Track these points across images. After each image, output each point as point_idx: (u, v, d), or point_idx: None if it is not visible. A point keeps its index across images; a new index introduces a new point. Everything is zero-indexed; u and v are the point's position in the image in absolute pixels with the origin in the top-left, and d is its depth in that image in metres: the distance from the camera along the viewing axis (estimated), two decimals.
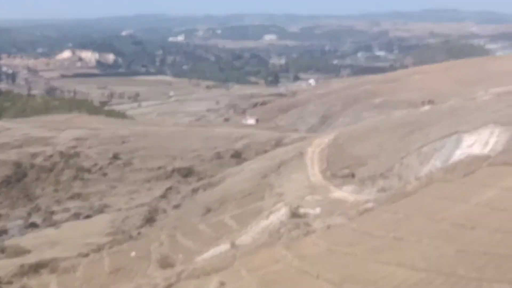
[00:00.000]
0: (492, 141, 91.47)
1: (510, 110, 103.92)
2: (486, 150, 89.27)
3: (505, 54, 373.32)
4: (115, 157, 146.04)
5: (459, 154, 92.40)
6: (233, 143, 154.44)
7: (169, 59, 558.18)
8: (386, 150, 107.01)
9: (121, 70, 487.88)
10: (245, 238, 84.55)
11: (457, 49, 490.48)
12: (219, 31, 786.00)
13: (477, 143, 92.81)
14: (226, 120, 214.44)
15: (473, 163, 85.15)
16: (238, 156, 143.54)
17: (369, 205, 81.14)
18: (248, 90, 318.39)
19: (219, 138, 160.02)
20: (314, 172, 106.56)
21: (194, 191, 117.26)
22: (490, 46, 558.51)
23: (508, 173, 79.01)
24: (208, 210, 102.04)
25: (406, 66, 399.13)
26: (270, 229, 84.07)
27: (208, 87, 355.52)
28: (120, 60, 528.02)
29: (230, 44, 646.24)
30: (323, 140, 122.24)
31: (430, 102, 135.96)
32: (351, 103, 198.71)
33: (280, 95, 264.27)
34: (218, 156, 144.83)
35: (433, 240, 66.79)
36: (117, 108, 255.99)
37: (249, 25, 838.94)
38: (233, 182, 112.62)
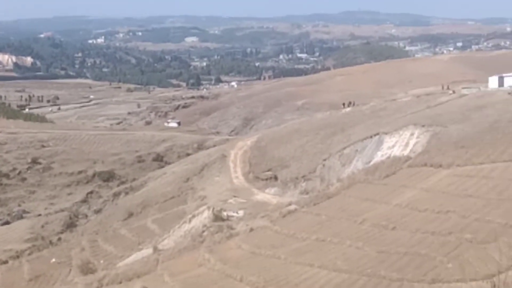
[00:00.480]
0: (412, 142, 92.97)
1: (429, 111, 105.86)
2: (406, 151, 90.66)
3: (424, 56, 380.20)
4: (34, 161, 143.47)
5: (380, 156, 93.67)
6: (154, 146, 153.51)
7: (89, 61, 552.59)
8: (308, 152, 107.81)
9: (39, 73, 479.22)
10: (167, 242, 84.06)
11: (377, 51, 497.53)
12: (139, 33, 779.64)
13: (397, 144, 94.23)
14: (148, 123, 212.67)
15: (394, 164, 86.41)
16: (160, 160, 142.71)
17: (292, 207, 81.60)
18: (169, 92, 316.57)
19: (140, 142, 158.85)
20: (237, 175, 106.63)
21: (116, 195, 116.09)
22: (409, 48, 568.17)
23: (427, 174, 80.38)
24: (130, 215, 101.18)
25: (327, 68, 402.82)
26: (193, 233, 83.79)
27: (129, 90, 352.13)
28: (38, 62, 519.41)
29: (151, 47, 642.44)
30: (246, 142, 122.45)
31: (351, 104, 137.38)
32: (273, 106, 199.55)
33: (202, 97, 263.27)
34: (140, 159, 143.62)
35: (355, 241, 67.56)
36: (36, 111, 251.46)
37: (170, 27, 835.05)
38: (155, 186, 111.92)
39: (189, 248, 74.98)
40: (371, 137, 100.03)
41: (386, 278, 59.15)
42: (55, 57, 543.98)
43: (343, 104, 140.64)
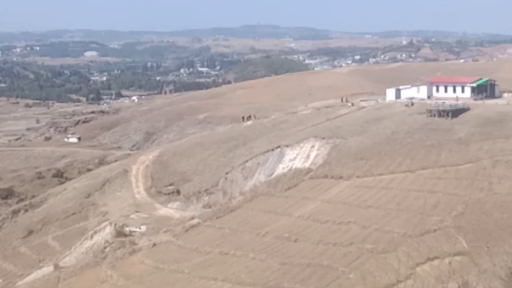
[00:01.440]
0: (313, 154, 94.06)
1: (329, 123, 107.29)
2: (307, 164, 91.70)
3: (323, 69, 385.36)
4: None
5: (282, 168, 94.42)
6: (55, 162, 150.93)
7: None
8: (211, 165, 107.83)
9: None
10: (69, 259, 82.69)
11: (277, 64, 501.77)
12: (37, 48, 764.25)
13: (299, 156, 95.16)
14: (47, 139, 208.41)
15: (296, 177, 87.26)
16: (60, 176, 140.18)
17: (195, 221, 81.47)
18: (69, 107, 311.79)
19: (40, 158, 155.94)
20: (139, 190, 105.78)
21: (15, 212, 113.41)
22: (309, 61, 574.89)
23: (328, 185, 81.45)
24: (30, 232, 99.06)
25: (228, 82, 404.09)
26: (94, 249, 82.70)
27: (27, 105, 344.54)
28: None
29: (49, 61, 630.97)
30: (148, 157, 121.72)
31: (250, 117, 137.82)
32: (175, 120, 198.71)
33: (103, 112, 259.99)
34: (40, 176, 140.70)
35: (258, 254, 67.86)
36: None
37: (69, 42, 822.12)
38: (56, 202, 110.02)
39: (91, 265, 73.99)
40: (272, 150, 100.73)
41: None
42: None
43: (243, 118, 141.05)
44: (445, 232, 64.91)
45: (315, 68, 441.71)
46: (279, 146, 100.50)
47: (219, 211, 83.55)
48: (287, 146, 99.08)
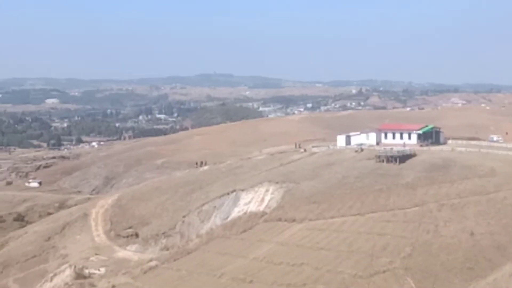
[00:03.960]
0: (267, 198, 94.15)
1: (282, 168, 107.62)
2: (262, 207, 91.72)
3: (276, 116, 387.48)
4: None
5: (237, 211, 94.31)
6: (15, 206, 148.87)
7: None
8: (168, 209, 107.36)
9: None
10: None
11: (233, 111, 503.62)
12: None
13: (253, 200, 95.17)
14: (9, 183, 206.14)
15: (250, 220, 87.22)
16: (21, 219, 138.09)
17: (153, 263, 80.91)
18: (30, 153, 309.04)
19: (1, 202, 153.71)
20: (99, 233, 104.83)
21: None
22: (263, 108, 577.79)
23: (282, 228, 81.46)
24: None
25: (186, 128, 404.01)
26: None
27: None
28: None
29: (11, 108, 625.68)
30: (107, 201, 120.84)
31: (203, 163, 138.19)
32: (134, 165, 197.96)
33: (63, 157, 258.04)
34: (1, 219, 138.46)
35: None
36: None
37: (30, 89, 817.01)
38: (17, 246, 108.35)
39: None
40: (228, 194, 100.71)
41: None
42: None
43: (196, 163, 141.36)
44: (394, 273, 65.29)
45: (269, 115, 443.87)
46: (234, 190, 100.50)
47: (176, 253, 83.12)
48: (242, 190, 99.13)
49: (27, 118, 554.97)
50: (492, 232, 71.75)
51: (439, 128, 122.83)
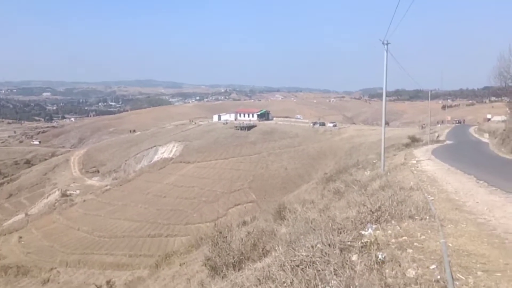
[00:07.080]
0: (174, 150, 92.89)
1: (182, 133, 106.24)
2: (171, 155, 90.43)
3: (179, 104, 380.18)
4: None
5: (157, 158, 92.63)
6: (25, 155, 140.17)
7: None
8: (117, 156, 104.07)
9: None
10: (34, 210, 77.26)
11: (154, 101, 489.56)
12: (15, 90, 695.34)
13: (166, 151, 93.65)
14: (21, 142, 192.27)
15: (164, 162, 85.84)
16: (28, 163, 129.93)
17: (108, 187, 78.33)
18: (33, 124, 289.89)
19: (16, 152, 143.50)
20: (75, 170, 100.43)
21: (1, 184, 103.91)
22: (172, 100, 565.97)
23: (182, 167, 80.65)
24: (10, 195, 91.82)
25: (126, 111, 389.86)
26: (49, 204, 77.65)
27: (8, 123, 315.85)
28: None
29: (22, 98, 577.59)
30: (80, 152, 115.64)
31: (134, 131, 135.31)
32: (96, 131, 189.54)
33: (54, 127, 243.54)
34: (16, 162, 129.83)
35: (144, 205, 65.91)
36: None
37: (33, 87, 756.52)
38: (25, 178, 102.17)
39: (47, 213, 69.95)
40: (151, 147, 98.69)
41: (161, 223, 58.68)
42: None
43: (130, 131, 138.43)
44: (244, 191, 66.16)
45: (175, 104, 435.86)
46: (155, 146, 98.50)
47: (121, 181, 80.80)
48: (160, 145, 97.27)
49: (31, 104, 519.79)
50: (296, 168, 74.02)
51: (269, 111, 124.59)
